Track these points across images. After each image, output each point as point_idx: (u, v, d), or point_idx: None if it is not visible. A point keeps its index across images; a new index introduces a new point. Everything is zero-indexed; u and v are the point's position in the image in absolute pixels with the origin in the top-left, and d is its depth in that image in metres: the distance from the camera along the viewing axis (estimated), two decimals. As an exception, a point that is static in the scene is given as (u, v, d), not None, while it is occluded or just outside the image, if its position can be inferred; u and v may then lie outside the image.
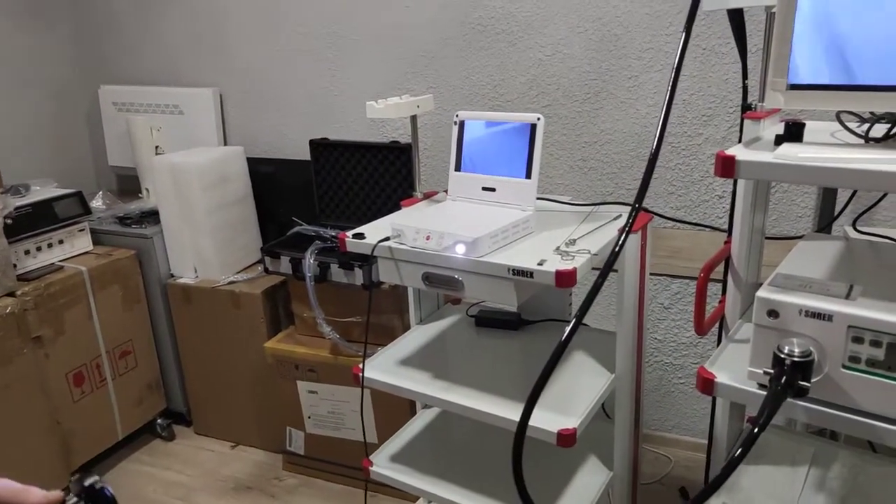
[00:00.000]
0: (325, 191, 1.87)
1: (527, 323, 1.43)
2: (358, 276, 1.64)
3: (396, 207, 1.35)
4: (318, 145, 1.85)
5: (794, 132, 0.85)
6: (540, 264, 1.00)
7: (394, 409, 1.67)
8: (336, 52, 2.05)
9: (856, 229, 1.14)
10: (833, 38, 0.74)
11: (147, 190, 2.21)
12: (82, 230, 1.98)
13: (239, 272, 2.02)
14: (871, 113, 0.85)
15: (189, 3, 2.22)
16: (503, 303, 1.07)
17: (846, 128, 0.86)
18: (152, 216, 2.07)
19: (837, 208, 1.50)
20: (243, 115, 2.25)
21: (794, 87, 0.79)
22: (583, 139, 1.81)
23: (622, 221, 1.21)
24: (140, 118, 2.19)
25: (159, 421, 2.15)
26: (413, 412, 1.49)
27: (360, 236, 1.17)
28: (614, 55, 1.72)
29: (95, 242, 2.02)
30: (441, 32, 1.89)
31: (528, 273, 1.00)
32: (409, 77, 1.96)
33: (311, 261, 1.66)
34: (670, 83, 0.79)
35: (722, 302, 1.06)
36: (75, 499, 0.60)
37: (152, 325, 2.09)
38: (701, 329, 0.99)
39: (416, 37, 1.92)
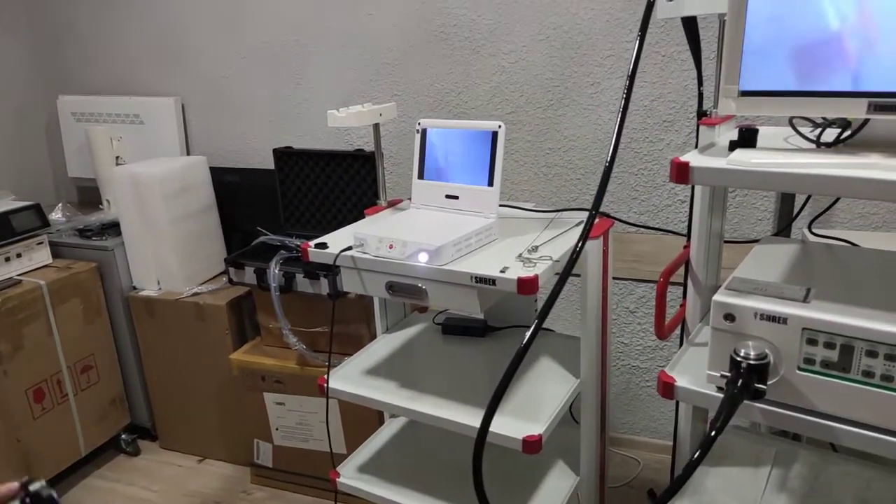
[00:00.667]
0: (290, 200, 1.84)
1: (493, 329, 1.43)
2: (324, 286, 1.62)
3: (362, 216, 1.34)
4: (282, 154, 1.82)
5: (747, 138, 0.87)
6: (502, 272, 1.00)
7: (362, 418, 1.65)
8: (299, 61, 2.03)
9: (812, 232, 1.17)
10: (782, 45, 0.76)
11: (108, 201, 2.15)
12: (41, 243, 1.92)
13: (203, 283, 1.98)
14: (824, 118, 0.87)
15: (149, 11, 2.18)
16: (467, 311, 1.06)
17: (798, 133, 0.87)
18: (113, 228, 2.02)
19: (796, 211, 1.53)
20: (206, 124, 2.21)
21: (745, 93, 0.80)
22: (546, 145, 1.82)
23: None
24: (100, 128, 2.14)
25: (123, 436, 2.10)
26: (381, 421, 1.48)
27: (322, 246, 1.16)
28: (576, 62, 1.73)
29: (55, 255, 1.97)
30: (404, 40, 1.88)
31: (490, 280, 1.00)
32: (373, 85, 1.96)
33: (276, 271, 1.63)
34: (625, 90, 0.80)
35: (683, 306, 1.07)
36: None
37: (115, 339, 2.04)
38: (662, 333, 1.00)
39: (379, 45, 1.92)
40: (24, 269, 1.88)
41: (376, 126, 1.36)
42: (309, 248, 1.16)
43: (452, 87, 1.87)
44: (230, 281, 1.75)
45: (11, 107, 2.30)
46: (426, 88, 1.90)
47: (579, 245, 0.77)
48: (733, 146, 0.86)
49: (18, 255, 1.86)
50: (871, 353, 0.71)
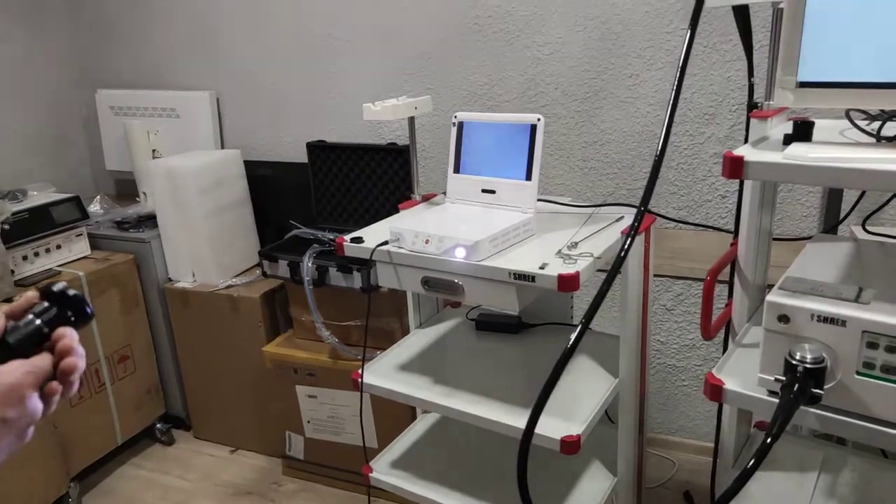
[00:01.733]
0: (323, 193, 1.84)
1: (527, 326, 1.41)
2: (356, 280, 1.62)
3: (395, 210, 1.33)
4: (315, 148, 1.82)
5: (802, 131, 0.83)
6: (542, 268, 0.98)
7: (394, 413, 1.65)
8: (333, 54, 2.02)
9: (865, 230, 1.12)
10: (842, 35, 0.72)
11: (144, 194, 2.18)
12: (80, 235, 1.96)
13: (237, 276, 2.00)
14: (882, 111, 0.83)
15: (184, 6, 2.19)
16: (505, 308, 1.05)
17: (857, 126, 0.83)
18: (150, 220, 2.04)
19: (843, 208, 1.47)
20: (240, 117, 2.22)
21: (803, 84, 0.77)
22: (583, 139, 1.79)
23: (624, 223, 1.19)
24: (137, 122, 2.17)
25: (158, 426, 2.13)
26: (414, 417, 1.47)
27: (358, 240, 1.15)
28: (614, 54, 1.69)
29: (93, 247, 2.00)
30: (438, 33, 1.86)
31: (529, 277, 0.98)
32: (407, 78, 1.94)
33: (310, 264, 1.64)
34: (675, 83, 0.77)
35: (728, 305, 1.03)
36: (46, 304, 0.56)
37: (151, 330, 2.07)
38: (708, 334, 0.97)
39: (413, 38, 1.90)
40: (64, 259, 1.91)
41: (411, 119, 1.35)
42: (344, 243, 1.15)
43: (486, 79, 1.85)
44: (264, 274, 1.76)
45: (51, 101, 2.34)
46: (459, 81, 1.88)
47: (628, 242, 0.75)
48: (788, 140, 0.83)
49: (58, 247, 1.90)
50: (938, 359, 0.67)
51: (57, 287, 0.58)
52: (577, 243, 1.08)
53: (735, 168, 0.76)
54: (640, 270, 1.13)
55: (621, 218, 1.21)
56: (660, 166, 0.75)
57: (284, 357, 1.79)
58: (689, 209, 1.74)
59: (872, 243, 0.97)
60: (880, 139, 0.79)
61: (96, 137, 2.41)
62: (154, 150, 2.17)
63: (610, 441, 1.23)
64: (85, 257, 1.96)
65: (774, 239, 1.14)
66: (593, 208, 1.27)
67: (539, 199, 1.30)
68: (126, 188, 2.45)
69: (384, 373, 1.23)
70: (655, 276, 1.80)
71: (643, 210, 0.75)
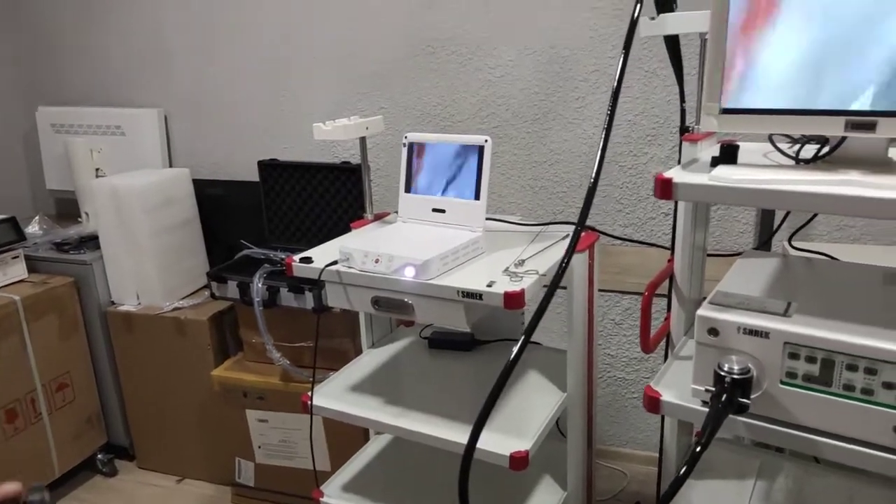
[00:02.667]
0: (275, 212, 1.83)
1: (480, 343, 1.43)
2: (308, 300, 1.61)
3: (348, 229, 1.34)
4: (266, 166, 1.81)
5: (729, 154, 0.88)
6: (489, 286, 1.00)
7: (348, 435, 1.63)
8: (287, 72, 2.02)
9: (791, 246, 1.18)
10: (761, 65, 0.77)
11: (87, 214, 2.12)
12: (16, 257, 1.89)
13: (184, 298, 1.96)
14: (802, 135, 0.89)
15: (131, 21, 2.16)
16: (454, 325, 1.06)
17: (778, 149, 0.89)
18: (92, 241, 1.99)
19: (776, 225, 1.55)
20: (189, 135, 2.19)
21: (726, 111, 0.81)
22: (533, 159, 1.84)
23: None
24: (80, 140, 2.11)
25: (100, 456, 2.05)
26: (367, 438, 1.46)
27: (307, 260, 1.15)
28: (561, 77, 1.75)
29: (31, 270, 1.93)
30: (392, 53, 1.89)
31: (477, 295, 1.00)
32: (361, 98, 1.96)
33: (260, 285, 1.62)
34: (609, 108, 0.81)
35: (667, 319, 1.08)
36: None
37: (91, 356, 2.00)
38: (647, 347, 1.00)
39: (367, 57, 1.92)
40: None
41: (363, 139, 1.36)
42: (293, 263, 1.15)
43: (439, 100, 1.88)
44: (212, 295, 1.73)
45: (-11, 118, 2.26)
46: (413, 102, 1.91)
47: (566, 260, 0.77)
48: (715, 162, 0.87)
49: (-6, 270, 1.83)
50: (852, 367, 0.72)
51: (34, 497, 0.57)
52: (524, 261, 1.11)
53: (665, 189, 0.79)
54: (585, 287, 1.16)
55: (567, 236, 1.25)
56: (595, 188, 0.79)
57: (233, 381, 1.75)
58: (635, 226, 1.80)
59: (800, 259, 1.02)
60: (799, 161, 0.85)
61: (36, 156, 2.34)
62: (97, 169, 2.12)
63: (560, 455, 1.25)
64: (21, 281, 1.89)
65: (714, 254, 1.19)
66: (541, 227, 1.30)
67: (489, 218, 1.33)
68: (67, 208, 2.37)
69: (335, 394, 1.23)
70: (604, 291, 1.85)
71: (580, 229, 0.78)
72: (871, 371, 0.71)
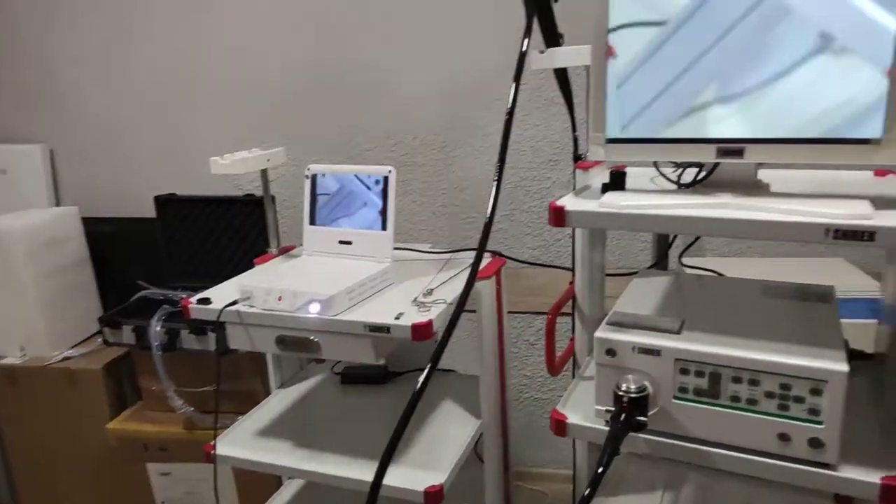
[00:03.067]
0: (174, 250, 1.74)
1: (395, 375, 1.41)
2: (212, 342, 1.53)
3: (253, 265, 1.29)
4: (164, 202, 1.73)
5: (617, 180, 0.92)
6: (397, 318, 0.99)
7: (259, 482, 1.55)
8: (185, 103, 1.95)
9: (681, 264, 1.25)
10: (641, 97, 0.82)
11: (-37, 258, 1.94)
12: None
13: (74, 346, 1.81)
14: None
15: (11, 53, 2.02)
16: (363, 360, 1.04)
17: (662, 174, 0.94)
18: (-31, 288, 1.81)
19: (670, 243, 1.64)
20: (79, 172, 2.06)
21: (611, 140, 0.85)
22: (442, 186, 1.85)
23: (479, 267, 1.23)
24: (-48, 178, 1.94)
25: (-16, 525, 1.85)
26: (280, 483, 1.40)
27: (205, 301, 1.10)
28: (466, 105, 1.79)
29: None
30: (297, 83, 1.87)
31: (385, 328, 0.99)
32: (265, 128, 1.92)
33: (158, 328, 1.53)
34: (503, 138, 0.83)
35: (572, 340, 1.10)
36: None
37: (-28, 414, 1.81)
38: (553, 370, 1.02)
39: (271, 87, 1.89)
40: None
41: (264, 172, 1.33)
42: (190, 305, 1.10)
43: (347, 129, 1.87)
44: (105, 342, 1.62)
45: None
46: (320, 131, 1.89)
47: (465, 291, 0.78)
48: (605, 188, 0.91)
49: None
50: (737, 379, 0.76)
51: None
52: (432, 290, 1.11)
53: (558, 217, 0.82)
54: (494, 311, 1.18)
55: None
56: (492, 219, 0.80)
57: (132, 433, 1.63)
58: (543, 248, 1.85)
59: (690, 276, 1.08)
60: (680, 186, 0.90)
61: None
62: (-25, 210, 1.95)
63: (480, 480, 1.25)
64: None
65: (613, 274, 1.24)
66: (450, 254, 1.31)
67: (398, 248, 1.32)
68: (-58, 253, 2.16)
69: (242, 441, 1.17)
70: (517, 313, 1.88)
71: (478, 261, 0.79)
72: (753, 382, 0.75)
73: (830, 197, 0.76)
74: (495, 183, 0.80)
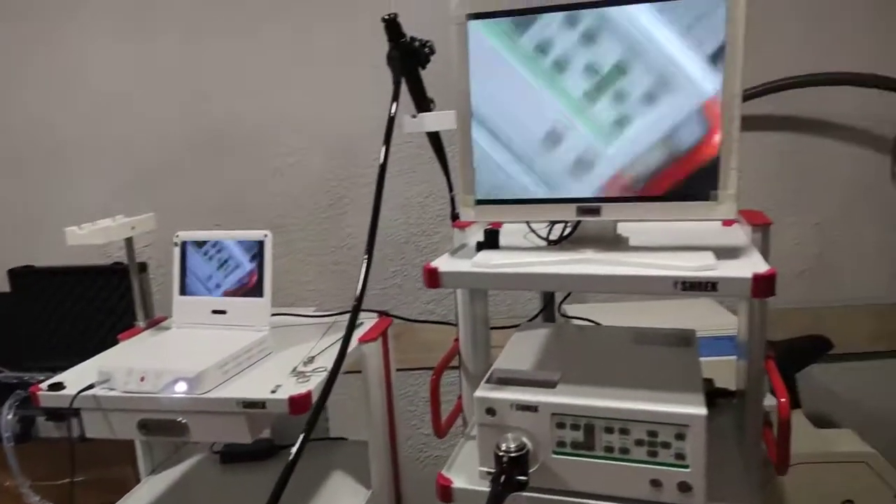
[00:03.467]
0: (31, 327, 1.58)
1: (282, 448, 1.33)
2: (74, 428, 1.38)
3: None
4: (18, 274, 1.57)
5: (491, 239, 0.94)
6: (273, 391, 0.94)
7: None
8: (46, 167, 1.81)
9: (561, 314, 1.29)
10: (505, 159, 0.85)
11: None
12: None
13: None
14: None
15: None
16: (237, 440, 0.97)
17: (532, 231, 0.97)
18: None
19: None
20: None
21: (480, 201, 0.88)
22: (330, 244, 1.83)
23: (364, 329, 1.21)
24: None
25: None
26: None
27: (58, 386, 0.99)
28: (352, 163, 1.79)
29: None
30: (171, 144, 1.79)
31: (259, 404, 0.93)
32: (137, 191, 1.81)
33: (9, 416, 1.36)
34: (375, 194, 0.83)
35: (460, 398, 1.10)
36: None
37: None
38: (439, 432, 1.01)
39: (142, 149, 1.79)
40: None
41: (129, 240, 1.24)
42: (40, 392, 0.99)
43: (226, 191, 1.81)
44: (-54, 436, 1.42)
45: None
46: (198, 193, 1.81)
47: (336, 364, 0.75)
48: (480, 247, 0.93)
49: None
50: (609, 430, 0.78)
51: None
52: (314, 358, 1.07)
53: (432, 278, 0.82)
54: (381, 373, 1.15)
55: (360, 324, 1.24)
56: (366, 281, 0.79)
57: (-20, 538, 1.43)
58: (436, 302, 1.85)
59: (570, 327, 1.12)
60: (550, 243, 0.93)
61: None
62: None
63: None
64: None
65: (498, 327, 1.26)
66: (334, 317, 1.27)
67: (279, 313, 1.27)
68: None
69: (104, 538, 1.05)
70: (413, 369, 1.86)
71: (351, 328, 0.77)
72: (624, 431, 0.78)
73: (680, 249, 0.82)
74: (365, 260, 0.80)
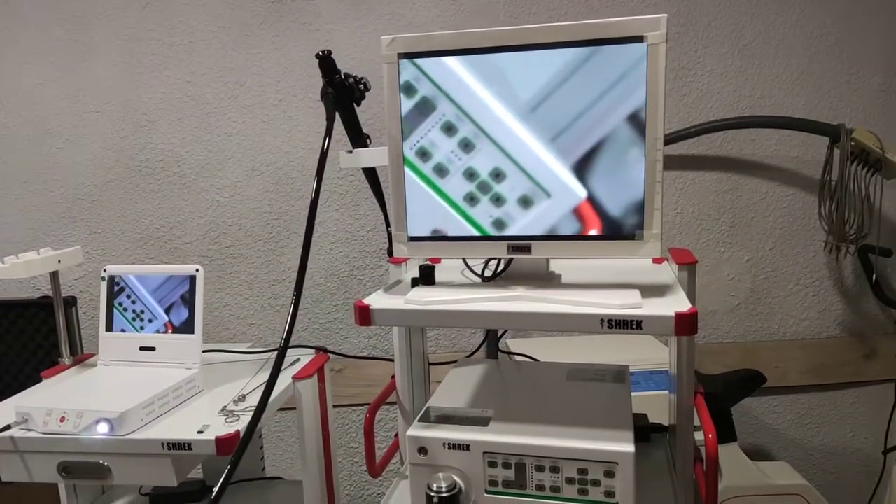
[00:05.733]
0: (-54, 364, 1.49)
1: (212, 489, 1.27)
2: (-12, 472, 1.29)
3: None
4: (-67, 309, 1.48)
5: (427, 274, 0.95)
6: (200, 432, 0.91)
7: None
8: (-32, 195, 1.73)
9: (500, 350, 1.30)
10: (439, 197, 0.86)
11: None
12: None
13: None
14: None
15: None
16: (162, 483, 0.93)
17: (468, 267, 0.98)
18: None
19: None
20: None
21: (413, 238, 0.88)
22: (271, 277, 1.79)
23: (300, 365, 1.18)
24: None
25: None
26: None
27: (-35, 430, 0.93)
28: (292, 196, 1.77)
29: None
30: (103, 175, 1.74)
31: (185, 445, 0.89)
32: (68, 222, 1.74)
33: (-87, 463, 1.26)
34: (305, 234, 0.82)
35: (396, 437, 1.08)
36: None
37: None
38: (374, 471, 0.99)
39: (73, 180, 1.74)
40: None
41: (54, 274, 1.19)
42: (-56, 436, 0.92)
43: (163, 222, 1.76)
44: None
45: None
46: (132, 225, 1.76)
47: (263, 402, 0.73)
48: (415, 283, 0.93)
49: None
50: (540, 468, 0.78)
51: None
52: (245, 396, 1.04)
53: (363, 316, 0.81)
54: (316, 412, 1.12)
55: (297, 360, 1.21)
56: (295, 315, 0.77)
57: None
58: (379, 337, 1.83)
59: (506, 363, 1.12)
60: (485, 279, 0.94)
61: None
62: None
63: None
64: None
65: (438, 363, 1.25)
66: (268, 353, 1.24)
67: (213, 350, 1.24)
68: None
69: None
70: (355, 405, 1.83)
71: (279, 367, 0.75)
72: (554, 469, 0.78)
73: (609, 287, 0.84)
74: (293, 300, 0.78)
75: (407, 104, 0.85)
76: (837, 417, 1.87)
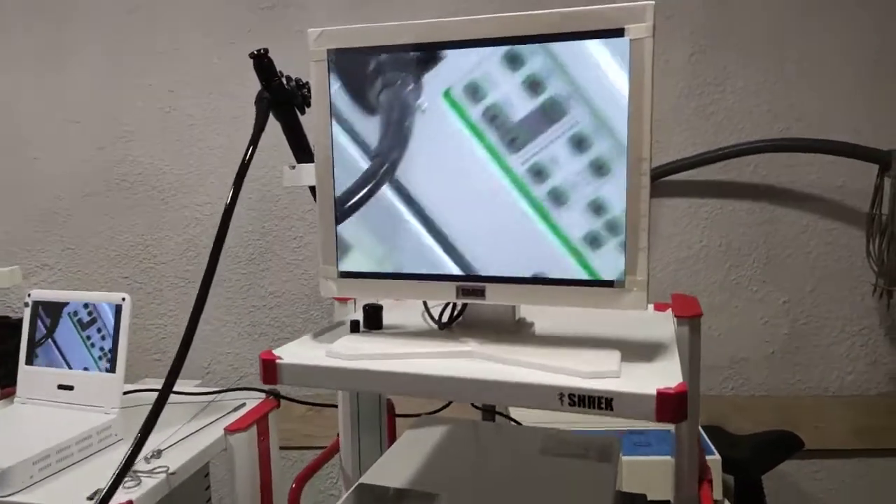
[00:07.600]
0: None
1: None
2: None
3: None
4: None
5: (371, 317, 0.78)
6: (90, 499, 0.76)
7: None
8: (-57, 206, 1.65)
9: (474, 406, 1.12)
10: (375, 228, 0.70)
11: None
12: None
13: None
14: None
15: None
16: (41, 557, 0.78)
17: (427, 310, 0.81)
18: None
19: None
20: None
21: (345, 274, 0.72)
22: (251, 302, 1.66)
23: (243, 411, 1.03)
24: None
25: None
26: None
27: None
28: (276, 216, 1.64)
29: None
30: (79, 188, 1.64)
31: (67, 514, 0.75)
32: (39, 236, 1.65)
33: None
34: (214, 242, 0.67)
35: None
36: None
37: None
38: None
39: (46, 192, 1.64)
40: None
41: (-19, 297, 1.07)
42: None
43: (139, 239, 1.65)
44: None
45: None
46: (107, 241, 1.65)
47: (111, 484, 0.58)
48: (355, 327, 0.77)
49: None
50: (478, 583, 0.60)
51: None
52: (161, 452, 0.89)
53: (269, 373, 0.65)
54: (253, 465, 0.97)
55: (242, 405, 1.06)
56: (186, 352, 0.62)
57: None
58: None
59: (469, 425, 0.93)
60: (441, 326, 0.77)
61: None
62: None
63: None
64: None
65: (401, 416, 1.08)
66: (213, 395, 1.10)
67: (146, 390, 1.10)
68: None
69: None
70: (317, 448, 1.64)
71: (146, 432, 0.60)
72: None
73: (586, 344, 0.66)
74: (185, 334, 0.63)
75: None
76: (889, 488, 1.61)
